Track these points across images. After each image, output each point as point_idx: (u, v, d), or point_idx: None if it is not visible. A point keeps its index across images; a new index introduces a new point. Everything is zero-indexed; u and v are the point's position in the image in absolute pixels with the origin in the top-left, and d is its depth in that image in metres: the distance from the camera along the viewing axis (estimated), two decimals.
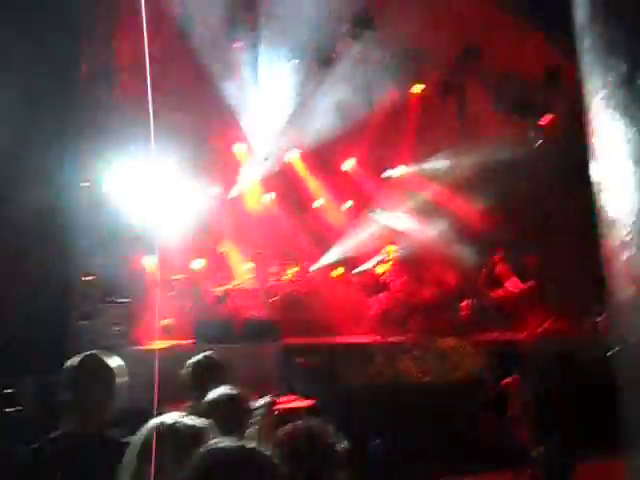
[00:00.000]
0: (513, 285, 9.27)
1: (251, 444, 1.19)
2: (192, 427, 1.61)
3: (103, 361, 2.19)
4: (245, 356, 5.62)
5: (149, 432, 1.61)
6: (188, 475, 1.12)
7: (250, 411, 2.45)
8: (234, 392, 2.45)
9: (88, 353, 2.27)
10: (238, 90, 8.37)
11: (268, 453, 1.17)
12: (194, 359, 3.14)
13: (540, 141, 9.84)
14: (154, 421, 1.65)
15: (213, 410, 2.24)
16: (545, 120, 9.79)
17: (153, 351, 6.11)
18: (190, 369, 3.08)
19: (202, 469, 1.10)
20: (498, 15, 7.31)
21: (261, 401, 2.71)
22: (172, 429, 1.59)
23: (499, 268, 9.41)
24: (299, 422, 1.93)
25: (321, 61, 8.01)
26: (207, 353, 3.16)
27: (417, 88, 8.91)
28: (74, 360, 2.17)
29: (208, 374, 2.96)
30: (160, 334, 7.67)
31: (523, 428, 6.13)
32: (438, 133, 10.27)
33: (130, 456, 1.57)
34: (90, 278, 6.08)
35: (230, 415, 2.22)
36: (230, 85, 8.25)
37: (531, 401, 6.48)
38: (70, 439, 2.02)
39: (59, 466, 1.88)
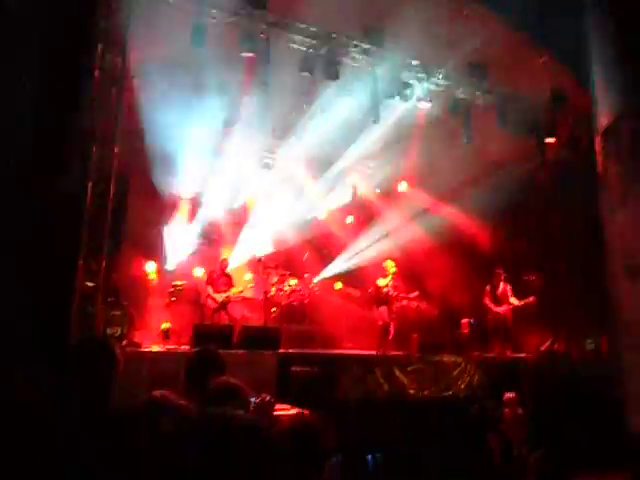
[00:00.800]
0: (516, 302, 9.26)
1: (246, 414, 1.18)
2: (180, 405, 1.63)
3: (107, 339, 2.21)
4: (242, 363, 5.61)
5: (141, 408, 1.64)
6: (185, 437, 1.12)
7: (249, 402, 2.45)
8: (235, 382, 2.45)
9: (90, 337, 2.29)
10: (248, 98, 8.46)
11: (263, 423, 1.17)
12: (193, 350, 3.12)
13: (543, 161, 9.87)
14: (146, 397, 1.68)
15: (213, 398, 2.25)
16: (550, 140, 9.83)
17: (149, 354, 6.10)
18: (189, 359, 3.04)
19: (198, 433, 1.10)
20: (507, 33, 7.38)
21: (258, 398, 2.71)
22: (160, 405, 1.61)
23: (502, 286, 9.40)
24: (299, 418, 1.95)
25: (328, 74, 8.06)
26: (206, 346, 3.13)
27: (424, 105, 8.95)
28: (78, 343, 2.17)
29: (206, 365, 2.93)
30: (159, 338, 7.68)
31: (518, 444, 6.10)
32: (443, 150, 10.30)
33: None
34: (91, 284, 6.08)
35: (229, 404, 2.21)
36: (240, 94, 8.33)
37: (525, 418, 6.45)
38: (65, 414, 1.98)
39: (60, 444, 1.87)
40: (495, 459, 6.34)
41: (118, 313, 6.65)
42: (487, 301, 9.33)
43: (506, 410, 6.68)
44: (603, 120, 1.22)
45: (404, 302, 9.30)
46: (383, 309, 8.95)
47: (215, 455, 1.08)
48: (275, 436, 1.20)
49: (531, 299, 9.19)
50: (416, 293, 9.39)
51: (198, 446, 1.09)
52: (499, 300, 9.32)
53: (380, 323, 8.98)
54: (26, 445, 1.85)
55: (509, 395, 6.75)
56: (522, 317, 9.39)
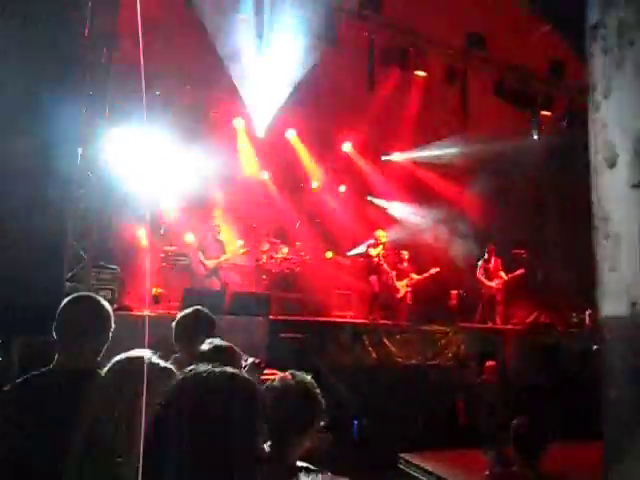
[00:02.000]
0: (505, 276, 9.39)
1: (233, 370, 1.19)
2: (156, 364, 1.66)
3: (98, 299, 2.19)
4: (233, 328, 5.65)
5: (118, 365, 1.66)
6: (169, 396, 1.12)
7: (240, 365, 2.45)
8: (226, 344, 2.44)
9: (83, 293, 2.29)
10: (241, 63, 8.28)
11: (250, 379, 1.18)
12: (183, 312, 3.06)
13: (537, 134, 9.83)
14: (121, 356, 1.70)
15: (204, 359, 2.26)
16: (546, 114, 9.78)
17: (140, 317, 6.13)
18: (179, 320, 3.01)
19: (183, 390, 1.10)
20: (505, 3, 7.24)
21: (249, 360, 2.74)
22: (135, 363, 1.64)
23: (493, 261, 9.50)
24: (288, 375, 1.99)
25: (325, 40, 7.90)
26: (197, 307, 3.08)
27: (421, 73, 8.82)
28: (70, 297, 2.16)
29: (196, 326, 2.91)
30: (149, 302, 7.71)
31: (495, 411, 6.30)
32: (439, 120, 10.25)
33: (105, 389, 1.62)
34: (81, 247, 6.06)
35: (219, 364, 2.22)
36: (233, 57, 8.16)
37: (500, 385, 6.66)
38: (57, 374, 1.99)
39: (44, 399, 1.88)
40: (462, 423, 6.59)
41: (108, 277, 6.64)
42: (480, 275, 9.44)
43: (484, 377, 6.89)
44: (592, 17, 1.23)
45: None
46: (373, 278, 9.02)
47: (201, 412, 1.09)
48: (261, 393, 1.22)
49: (520, 271, 9.33)
50: (437, 269, 9.42)
51: (182, 403, 1.09)
52: (491, 275, 9.44)
53: (369, 292, 9.08)
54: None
55: (489, 363, 6.96)
56: (511, 291, 9.53)
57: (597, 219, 1.25)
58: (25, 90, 4.90)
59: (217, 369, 1.17)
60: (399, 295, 9.29)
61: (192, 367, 1.19)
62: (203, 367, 1.18)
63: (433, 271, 9.38)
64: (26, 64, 4.97)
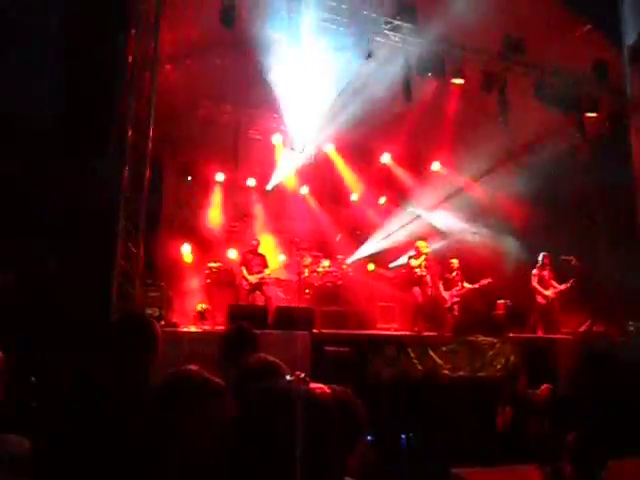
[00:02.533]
0: (560, 286, 9.13)
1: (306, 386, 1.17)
2: (206, 379, 1.65)
3: (147, 317, 2.23)
4: (276, 343, 5.67)
5: (169, 381, 1.68)
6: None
7: (285, 380, 2.44)
8: (271, 359, 2.45)
9: (132, 311, 2.35)
10: (278, 80, 8.41)
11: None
12: (228, 328, 3.12)
13: (582, 136, 9.53)
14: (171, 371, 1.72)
15: (249, 374, 2.26)
16: (591, 116, 9.48)
17: (187, 334, 6.24)
18: (224, 336, 3.08)
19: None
20: (544, 6, 7.09)
21: (293, 376, 2.72)
22: (185, 378, 1.64)
23: (547, 270, 9.24)
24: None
25: (362, 52, 7.94)
26: (240, 323, 3.14)
27: (458, 81, 8.72)
28: (120, 316, 2.21)
29: (241, 342, 2.95)
30: (195, 319, 7.84)
31: (541, 425, 6.06)
32: (479, 128, 10.08)
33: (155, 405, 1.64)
34: (129, 266, 6.22)
35: (265, 381, 2.21)
36: (270, 74, 8.29)
37: (560, 397, 6.39)
38: (111, 390, 2.04)
39: (102, 417, 1.92)
40: (507, 434, 6.34)
41: (156, 294, 6.80)
42: (536, 284, 9.19)
43: (533, 390, 6.63)
44: (629, 38, 1.18)
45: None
46: (416, 290, 8.89)
47: (265, 427, 1.07)
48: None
49: (571, 282, 9.03)
50: (489, 280, 9.28)
51: (245, 421, 1.09)
52: (545, 283, 9.18)
53: (414, 304, 8.95)
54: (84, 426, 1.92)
55: (544, 386, 6.69)
56: (563, 299, 9.23)
57: None
58: (75, 115, 5.13)
59: (293, 385, 1.17)
60: (447, 305, 9.12)
61: (264, 383, 1.19)
62: (277, 382, 1.17)
63: (485, 281, 9.15)
64: (74, 92, 5.20)
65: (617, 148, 9.33)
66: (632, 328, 9.26)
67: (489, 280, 9.14)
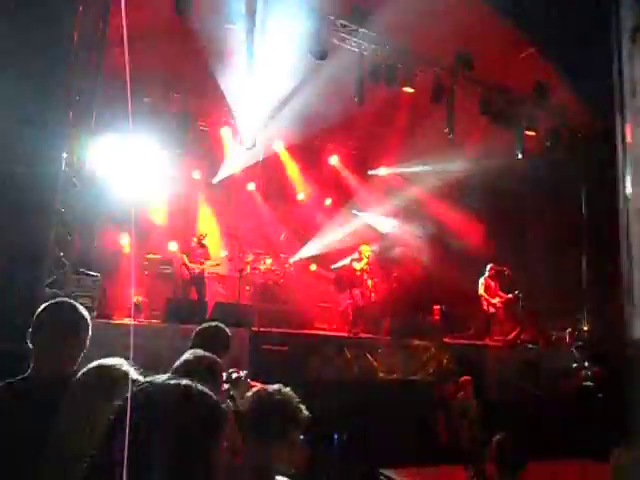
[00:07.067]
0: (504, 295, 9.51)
1: (188, 381, 1.13)
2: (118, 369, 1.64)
3: (76, 305, 2.15)
4: None
5: (89, 372, 1.66)
6: (121, 407, 1.08)
7: (221, 377, 2.48)
8: (208, 355, 2.44)
9: (61, 299, 2.26)
10: (229, 73, 8.29)
11: (207, 390, 1.13)
12: (203, 325, 3.11)
13: (521, 152, 9.97)
14: (94, 363, 1.70)
15: (183, 369, 2.25)
16: (530, 133, 9.94)
17: (121, 326, 6.05)
18: (197, 332, 3.06)
19: (136, 400, 1.06)
20: (493, 25, 7.37)
21: (232, 372, 2.73)
22: (104, 371, 1.64)
23: (493, 280, 9.57)
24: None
25: (315, 52, 7.96)
26: (217, 323, 3.15)
27: (408, 89, 8.91)
28: (48, 303, 2.13)
29: (215, 341, 2.93)
30: (130, 312, 7.60)
31: (471, 427, 6.31)
32: (425, 136, 10.34)
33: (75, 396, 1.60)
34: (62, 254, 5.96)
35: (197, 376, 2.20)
36: (222, 67, 8.17)
37: (474, 401, 6.68)
38: (33, 381, 1.96)
39: (21, 408, 1.84)
40: (443, 439, 6.59)
41: (89, 283, 6.54)
42: (482, 292, 9.49)
43: (461, 393, 6.90)
44: (628, 22, 1.24)
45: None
46: (356, 292, 9.02)
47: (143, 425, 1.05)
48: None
49: (516, 293, 9.42)
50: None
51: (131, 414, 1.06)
52: (491, 292, 9.51)
53: (353, 306, 9.07)
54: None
55: (464, 378, 6.97)
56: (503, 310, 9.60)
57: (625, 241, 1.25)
58: (10, 92, 4.86)
59: (173, 381, 1.12)
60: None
61: (150, 378, 1.15)
62: (160, 378, 1.14)
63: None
64: (12, 66, 4.92)
65: (555, 165, 9.83)
66: (555, 337, 9.79)
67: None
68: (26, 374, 2.01)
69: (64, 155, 5.77)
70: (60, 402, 1.66)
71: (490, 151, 9.93)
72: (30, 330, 2.05)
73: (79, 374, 1.73)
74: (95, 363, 1.74)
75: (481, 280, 9.57)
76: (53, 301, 2.17)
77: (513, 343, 9.14)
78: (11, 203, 4.80)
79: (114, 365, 1.70)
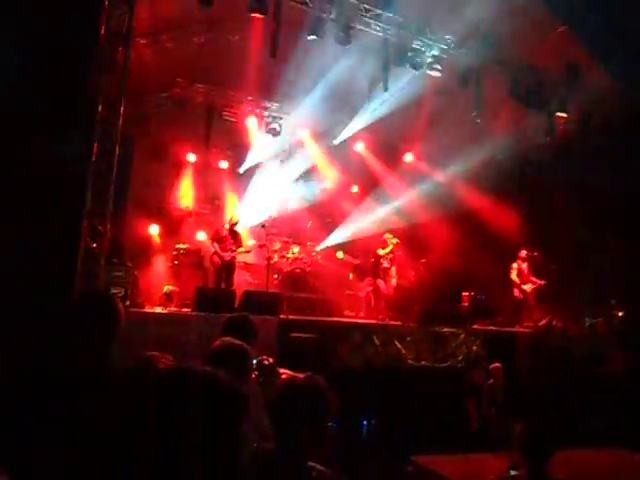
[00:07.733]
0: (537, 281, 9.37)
1: (216, 371, 1.15)
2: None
3: (108, 295, 2.19)
4: None
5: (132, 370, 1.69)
6: (148, 395, 1.10)
7: (251, 364, 2.51)
8: (238, 342, 2.45)
9: (95, 290, 2.31)
10: (256, 62, 8.28)
11: (233, 382, 1.15)
12: (232, 315, 3.15)
13: (551, 136, 9.73)
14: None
15: (214, 357, 2.29)
16: (561, 115, 9.67)
17: (152, 315, 6.18)
18: (226, 322, 3.08)
19: (163, 387, 1.08)
20: (522, 5, 7.17)
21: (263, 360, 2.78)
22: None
23: (525, 265, 9.43)
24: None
25: (338, 38, 7.88)
26: (243, 313, 3.19)
27: (435, 74, 8.76)
28: (82, 295, 2.17)
29: (243, 330, 2.92)
30: (161, 301, 7.75)
31: (500, 414, 6.26)
32: (453, 121, 10.17)
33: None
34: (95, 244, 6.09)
35: (229, 364, 2.23)
36: (248, 56, 8.16)
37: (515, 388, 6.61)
38: (69, 371, 1.99)
39: (55, 398, 1.88)
40: (473, 426, 6.56)
41: (122, 274, 6.69)
42: (514, 277, 9.36)
43: (491, 380, 6.84)
44: None
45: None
46: (381, 280, 9.01)
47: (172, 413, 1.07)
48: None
49: (544, 282, 9.27)
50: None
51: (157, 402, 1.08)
52: (523, 278, 9.37)
53: (380, 293, 9.06)
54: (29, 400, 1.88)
55: (495, 365, 6.90)
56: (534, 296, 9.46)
57: None
58: (42, 80, 4.96)
59: (199, 369, 1.15)
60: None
61: (176, 366, 1.18)
62: (186, 366, 1.16)
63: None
64: (41, 63, 5.03)
65: (584, 149, 9.57)
66: (588, 324, 9.59)
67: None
68: (62, 363, 2.06)
69: (94, 146, 5.88)
70: (95, 393, 1.69)
71: (520, 135, 9.72)
72: (66, 321, 2.10)
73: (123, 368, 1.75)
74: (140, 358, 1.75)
75: (514, 265, 9.43)
76: (90, 293, 2.23)
77: (544, 330, 9.00)
78: (43, 195, 4.92)
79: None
